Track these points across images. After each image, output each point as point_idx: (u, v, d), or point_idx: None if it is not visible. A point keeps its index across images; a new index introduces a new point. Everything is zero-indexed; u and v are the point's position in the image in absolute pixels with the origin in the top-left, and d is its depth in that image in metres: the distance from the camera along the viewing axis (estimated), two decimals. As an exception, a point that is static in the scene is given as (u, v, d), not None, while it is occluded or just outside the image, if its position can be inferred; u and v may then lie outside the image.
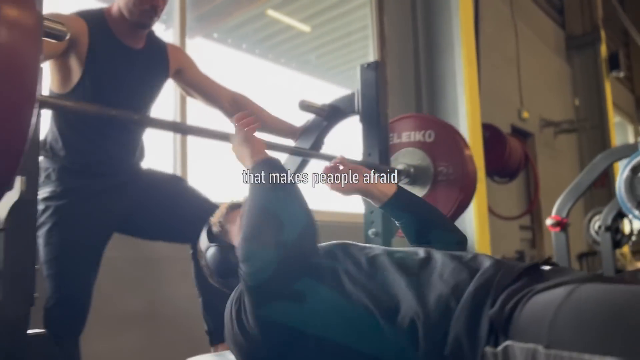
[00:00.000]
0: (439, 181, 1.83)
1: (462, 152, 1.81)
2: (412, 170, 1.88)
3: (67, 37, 1.16)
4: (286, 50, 4.26)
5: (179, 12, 2.82)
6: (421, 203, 1.36)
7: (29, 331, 0.93)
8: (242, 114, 1.28)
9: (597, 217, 3.80)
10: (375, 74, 1.81)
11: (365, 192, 1.31)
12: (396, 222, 1.32)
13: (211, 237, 1.23)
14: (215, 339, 1.83)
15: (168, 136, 2.63)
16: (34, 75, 0.75)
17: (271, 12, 3.98)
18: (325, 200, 3.60)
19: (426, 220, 1.28)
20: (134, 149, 1.78)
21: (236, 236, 1.19)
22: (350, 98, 1.88)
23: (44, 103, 0.97)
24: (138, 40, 1.73)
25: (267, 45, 4.17)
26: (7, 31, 0.71)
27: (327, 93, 4.12)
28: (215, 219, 1.26)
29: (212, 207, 1.82)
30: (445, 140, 1.84)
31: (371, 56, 4.19)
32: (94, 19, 1.64)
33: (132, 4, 1.62)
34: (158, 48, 1.80)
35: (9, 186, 0.79)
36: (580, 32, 7.76)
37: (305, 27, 4.22)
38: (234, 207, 1.26)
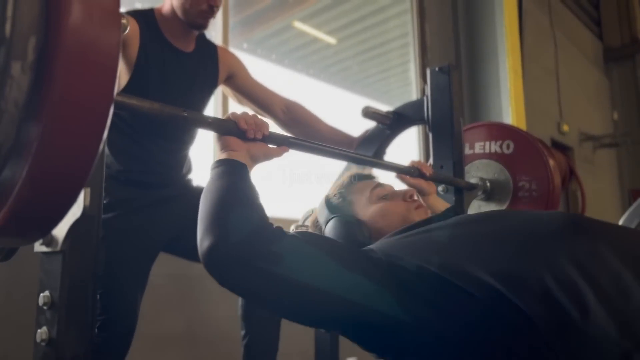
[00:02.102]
0: (519, 197, 1.65)
1: (546, 166, 1.62)
2: (488, 184, 1.70)
3: (126, 32, 1.04)
4: (315, 62, 4.18)
5: (222, 18, 2.71)
6: None
7: (89, 375, 0.77)
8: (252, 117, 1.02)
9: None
10: (448, 78, 1.64)
11: (426, 195, 1.37)
12: None
13: (332, 208, 1.06)
14: None
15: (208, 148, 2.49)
16: (114, 68, 0.61)
17: (298, 25, 3.90)
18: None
19: None
20: (183, 160, 1.64)
21: (363, 209, 1.04)
22: (418, 104, 1.72)
23: (119, 103, 0.82)
24: (189, 43, 1.59)
25: (296, 57, 4.10)
26: (85, 14, 0.57)
27: (357, 105, 4.02)
28: (334, 189, 1.10)
29: None
30: (527, 152, 1.66)
31: (412, 64, 4.04)
32: (145, 20, 1.51)
33: (189, 3, 1.49)
34: (208, 52, 1.66)
35: (75, 197, 0.64)
36: (619, 44, 7.52)
37: (331, 40, 4.13)
38: (360, 177, 1.12)
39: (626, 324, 0.66)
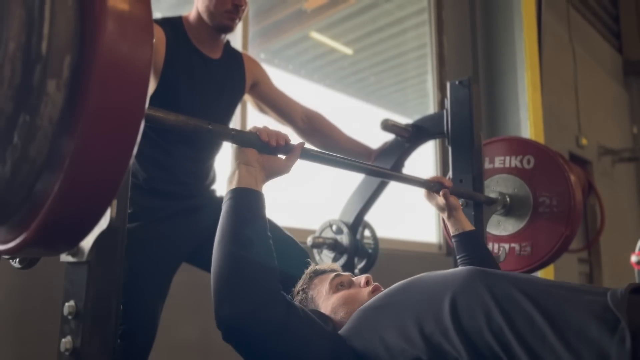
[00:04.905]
0: (539, 213, 1.63)
1: (567, 181, 1.61)
2: (507, 199, 1.69)
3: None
4: (331, 73, 4.19)
5: (242, 29, 2.74)
6: (487, 251, 1.46)
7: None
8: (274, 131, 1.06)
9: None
10: (468, 91, 1.64)
11: (454, 210, 1.45)
12: (458, 255, 1.43)
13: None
14: None
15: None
16: (145, 84, 0.62)
17: (315, 35, 3.92)
18: (397, 228, 3.47)
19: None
20: (209, 170, 1.64)
21: (324, 302, 1.11)
22: (437, 117, 1.72)
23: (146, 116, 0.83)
24: (216, 50, 1.61)
25: (313, 67, 4.12)
26: (119, 31, 0.58)
27: (373, 116, 3.99)
28: (297, 287, 1.19)
29: (293, 246, 1.60)
30: (548, 167, 1.64)
31: (429, 76, 4.04)
32: (172, 27, 1.53)
33: (213, 5, 1.50)
34: (235, 59, 1.68)
35: (104, 210, 0.65)
36: (639, 58, 7.44)
37: (348, 50, 4.14)
38: (317, 273, 1.20)
39: None
